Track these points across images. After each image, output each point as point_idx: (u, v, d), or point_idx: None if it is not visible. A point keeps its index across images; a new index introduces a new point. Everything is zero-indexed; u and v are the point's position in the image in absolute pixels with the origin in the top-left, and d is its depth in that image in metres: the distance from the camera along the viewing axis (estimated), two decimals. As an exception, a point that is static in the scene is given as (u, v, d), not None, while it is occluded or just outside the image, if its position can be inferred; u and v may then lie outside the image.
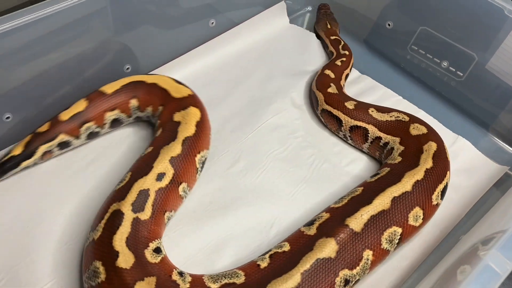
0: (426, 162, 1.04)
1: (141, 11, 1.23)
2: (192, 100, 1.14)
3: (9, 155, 1.07)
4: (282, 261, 0.87)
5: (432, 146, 1.09)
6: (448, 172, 1.06)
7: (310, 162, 1.18)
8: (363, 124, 1.20)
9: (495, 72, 1.28)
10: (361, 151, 1.23)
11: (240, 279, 0.86)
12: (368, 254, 0.89)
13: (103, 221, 0.90)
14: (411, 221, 0.95)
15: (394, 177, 1.01)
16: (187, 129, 1.06)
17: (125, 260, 0.83)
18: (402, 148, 1.12)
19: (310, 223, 0.95)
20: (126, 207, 0.91)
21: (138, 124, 1.24)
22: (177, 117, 1.10)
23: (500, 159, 1.24)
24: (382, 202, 0.94)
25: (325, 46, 1.53)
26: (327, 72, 1.35)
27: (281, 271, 0.84)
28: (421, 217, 0.97)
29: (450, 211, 1.09)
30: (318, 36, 1.56)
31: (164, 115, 1.13)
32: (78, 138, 1.14)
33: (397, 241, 0.94)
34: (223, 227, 1.03)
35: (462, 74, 1.36)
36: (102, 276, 0.83)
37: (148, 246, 0.88)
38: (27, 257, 0.95)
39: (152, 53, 1.32)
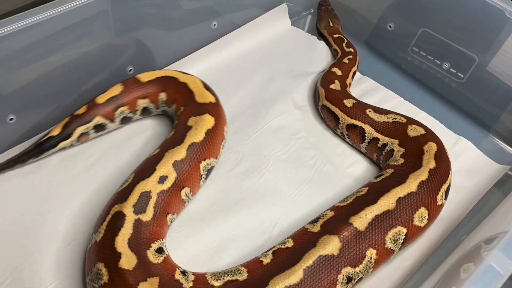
0: (429, 163, 1.04)
1: (142, 13, 1.23)
2: (210, 108, 1.13)
3: (48, 135, 1.11)
4: (285, 257, 0.88)
5: (432, 146, 1.09)
6: (450, 172, 1.07)
7: (312, 164, 1.18)
8: (360, 123, 1.20)
9: (496, 73, 1.29)
10: (361, 152, 1.24)
11: (243, 275, 0.86)
12: (371, 253, 0.90)
13: (105, 223, 0.91)
14: (416, 222, 0.96)
15: (399, 178, 1.01)
16: (195, 135, 1.06)
17: (128, 261, 0.83)
18: (402, 150, 1.12)
19: (314, 221, 0.96)
20: (128, 209, 0.92)
21: (144, 124, 1.25)
22: (190, 121, 1.10)
23: (501, 160, 1.24)
24: (387, 202, 0.94)
25: (328, 44, 1.53)
26: (334, 69, 1.36)
27: (284, 267, 0.85)
28: (426, 217, 0.97)
29: (452, 211, 1.09)
30: (321, 34, 1.56)
31: (181, 117, 1.14)
32: (113, 121, 1.18)
33: (401, 241, 0.94)
34: (225, 228, 1.04)
35: (463, 76, 1.36)
36: (105, 278, 0.83)
37: (150, 246, 0.89)
38: (30, 258, 0.95)
39: (155, 54, 1.32)
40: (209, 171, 1.09)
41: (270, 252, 0.91)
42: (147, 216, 0.93)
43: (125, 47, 1.24)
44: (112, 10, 1.15)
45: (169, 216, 0.98)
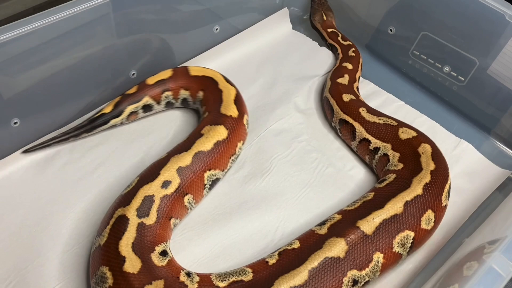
0: (429, 165, 1.05)
1: (144, 17, 1.24)
2: (228, 121, 1.13)
3: (100, 112, 1.18)
4: (290, 258, 0.88)
5: (426, 148, 1.10)
6: (449, 172, 1.07)
7: (314, 166, 1.19)
8: (351, 120, 1.21)
9: (497, 76, 1.29)
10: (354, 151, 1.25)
11: (248, 276, 0.87)
12: (378, 257, 0.90)
13: (109, 227, 0.91)
14: (423, 225, 0.96)
15: (402, 182, 1.01)
16: (204, 144, 1.06)
17: (132, 265, 0.84)
18: (397, 154, 1.12)
19: (321, 223, 0.96)
20: (131, 213, 0.92)
21: (146, 126, 1.26)
22: (204, 129, 1.11)
23: (502, 162, 1.24)
24: (394, 206, 0.94)
25: (323, 39, 1.54)
26: (345, 64, 1.39)
27: (289, 268, 0.85)
28: (433, 220, 0.98)
29: (453, 214, 1.10)
30: (315, 28, 1.57)
31: (201, 123, 1.15)
32: (159, 104, 1.25)
33: (409, 245, 0.94)
34: (228, 231, 1.04)
35: (463, 79, 1.37)
36: (110, 281, 0.83)
37: (154, 250, 0.89)
38: (34, 261, 0.96)
39: (157, 59, 1.33)
40: (213, 182, 1.08)
41: (276, 253, 0.91)
42: (150, 219, 0.93)
43: (127, 52, 1.25)
44: (114, 15, 1.16)
45: (172, 220, 0.99)
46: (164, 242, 0.93)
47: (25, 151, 1.13)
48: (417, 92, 1.47)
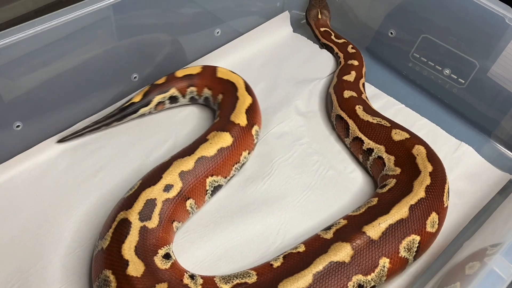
0: (426, 167, 1.05)
1: (145, 21, 1.24)
2: (235, 128, 1.12)
3: (130, 102, 1.22)
4: (295, 261, 0.88)
5: (421, 149, 1.10)
6: (445, 172, 1.08)
7: (315, 169, 1.19)
8: (345, 117, 1.23)
9: (497, 79, 1.30)
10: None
11: (252, 278, 0.87)
12: (384, 262, 0.89)
13: (111, 230, 0.91)
14: (428, 228, 0.96)
15: (404, 187, 1.01)
16: (207, 149, 1.06)
17: (135, 268, 0.84)
18: (392, 157, 1.12)
19: (327, 228, 0.96)
20: (133, 216, 0.92)
21: (150, 130, 1.26)
22: (210, 135, 1.11)
23: (502, 165, 1.25)
24: (400, 211, 0.94)
25: (315, 37, 1.56)
26: (351, 61, 1.41)
27: (294, 271, 0.85)
28: (437, 222, 0.98)
29: (454, 217, 1.10)
30: (308, 24, 1.58)
31: (208, 129, 1.15)
32: (184, 97, 1.29)
33: (415, 249, 0.94)
34: (230, 233, 1.04)
35: (464, 81, 1.37)
36: (113, 285, 0.84)
37: (157, 253, 0.89)
38: (37, 264, 0.96)
39: (159, 62, 1.33)
40: (215, 188, 1.08)
41: (281, 256, 0.92)
42: (152, 223, 0.93)
43: (129, 55, 1.25)
44: (115, 18, 1.16)
45: (175, 224, 0.99)
46: (167, 245, 0.93)
47: (60, 141, 1.18)
48: (417, 95, 1.47)
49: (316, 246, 0.91)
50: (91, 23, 1.12)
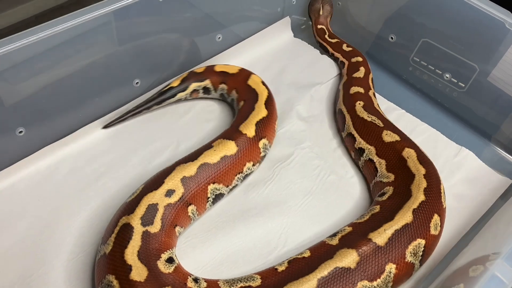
0: (419, 170, 1.06)
1: (147, 27, 1.25)
2: (241, 138, 1.12)
3: (168, 86, 1.28)
4: (300, 266, 0.89)
5: (411, 152, 1.10)
6: (438, 173, 1.08)
7: (317, 174, 1.19)
8: (344, 111, 1.26)
9: (497, 83, 1.30)
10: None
11: (256, 282, 0.87)
12: (391, 268, 0.89)
13: (114, 235, 0.91)
14: (432, 231, 0.96)
15: (403, 193, 1.02)
16: (210, 156, 1.06)
17: (139, 273, 0.84)
18: (383, 161, 1.13)
19: (333, 235, 0.97)
20: (135, 221, 0.93)
21: (154, 134, 1.26)
22: (216, 143, 1.11)
23: (502, 169, 1.25)
24: (404, 216, 0.94)
25: (312, 31, 1.57)
26: (355, 59, 1.45)
27: (298, 275, 0.85)
28: (439, 224, 0.98)
29: (455, 221, 1.10)
30: (310, 18, 1.59)
31: (217, 136, 1.15)
32: (216, 91, 1.33)
33: (421, 254, 0.94)
34: (232, 238, 1.04)
35: (464, 85, 1.37)
36: None
37: (160, 257, 0.90)
38: (39, 269, 0.96)
39: (160, 67, 1.34)
40: (217, 196, 1.08)
41: (286, 261, 0.92)
42: (155, 227, 0.93)
43: (130, 61, 1.26)
44: (116, 24, 1.17)
45: (177, 228, 0.99)
46: (170, 249, 0.93)
47: (105, 127, 1.24)
48: (418, 99, 1.47)
49: (322, 252, 0.91)
50: (92, 29, 1.12)
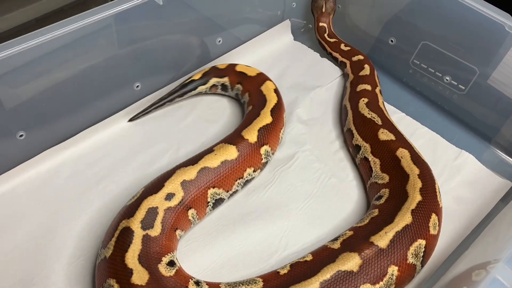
0: (413, 170, 1.06)
1: (147, 30, 1.25)
2: (242, 143, 1.12)
3: (190, 79, 1.33)
4: (302, 270, 0.89)
5: (405, 153, 1.11)
6: (432, 172, 1.09)
7: (317, 177, 1.19)
8: (348, 107, 1.28)
9: (497, 85, 1.30)
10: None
11: (258, 285, 0.87)
12: (393, 270, 0.89)
13: (114, 239, 0.91)
14: (431, 230, 0.96)
15: (399, 194, 1.02)
16: (211, 160, 1.06)
17: (140, 277, 0.84)
18: (377, 160, 1.13)
19: (334, 239, 0.97)
20: (136, 225, 0.92)
21: (156, 138, 1.26)
22: (217, 147, 1.11)
23: (502, 171, 1.25)
24: (403, 217, 0.95)
25: (314, 28, 1.58)
26: (356, 57, 1.46)
27: (300, 278, 0.85)
28: (437, 223, 0.99)
29: (456, 224, 1.10)
30: (313, 14, 1.60)
31: (220, 140, 1.14)
32: (232, 90, 1.36)
33: (422, 254, 0.94)
34: (232, 241, 1.04)
35: (464, 88, 1.38)
36: None
37: (161, 260, 0.90)
38: (40, 273, 0.96)
39: (160, 71, 1.34)
40: (217, 201, 1.07)
41: (288, 264, 0.92)
42: (155, 231, 0.93)
43: (130, 65, 1.26)
44: (116, 28, 1.17)
45: (178, 231, 0.99)
46: (171, 252, 0.93)
47: (130, 120, 1.27)
48: (418, 102, 1.48)
49: (324, 255, 0.91)
50: (93, 33, 1.12)
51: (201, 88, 1.33)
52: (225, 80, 1.34)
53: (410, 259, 0.92)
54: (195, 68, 1.41)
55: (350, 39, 1.60)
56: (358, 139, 1.19)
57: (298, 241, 1.05)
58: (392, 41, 1.50)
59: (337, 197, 1.16)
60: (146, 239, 0.91)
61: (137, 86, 1.30)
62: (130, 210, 0.96)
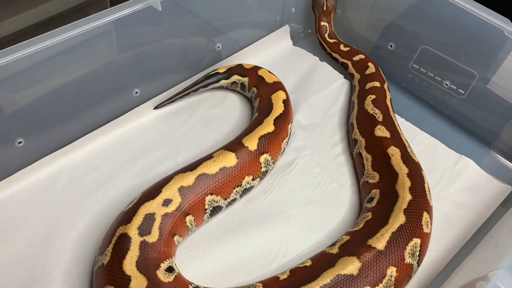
0: (402, 169, 1.07)
1: (145, 36, 1.24)
2: (241, 151, 1.11)
3: (215, 71, 1.36)
4: (302, 275, 0.89)
5: (396, 151, 1.11)
6: (423, 172, 1.09)
7: (317, 182, 1.19)
8: (355, 103, 1.31)
9: (497, 90, 1.30)
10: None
11: None
12: (391, 271, 0.90)
13: (111, 245, 0.91)
14: (425, 229, 0.97)
15: (389, 195, 1.03)
16: (209, 167, 1.05)
17: (138, 283, 0.84)
18: (369, 157, 1.14)
19: (332, 244, 0.97)
20: (133, 231, 0.92)
21: (156, 142, 1.26)
22: (217, 153, 1.10)
23: (502, 176, 1.25)
24: (397, 218, 0.96)
25: (313, 30, 1.59)
26: (357, 57, 1.48)
27: (300, 283, 0.85)
28: (429, 222, 0.99)
29: (456, 230, 1.10)
30: (314, 12, 1.60)
31: (221, 147, 1.14)
32: (248, 91, 1.37)
33: (418, 253, 0.95)
34: (232, 248, 1.04)
35: (463, 92, 1.38)
36: None
37: (160, 266, 0.89)
38: (40, 280, 0.96)
39: (159, 77, 1.34)
40: (214, 209, 1.06)
41: (288, 270, 0.92)
42: (152, 237, 0.93)
43: (130, 70, 1.25)
44: (116, 35, 1.17)
45: (176, 237, 0.99)
46: (170, 258, 0.93)
47: (156, 107, 1.30)
48: (417, 106, 1.48)
49: (323, 261, 0.92)
50: (92, 38, 1.12)
51: (223, 82, 1.36)
52: (245, 80, 1.36)
53: (407, 259, 0.92)
54: (194, 74, 1.41)
55: (350, 44, 1.60)
56: (356, 133, 1.21)
57: (298, 247, 1.05)
58: (391, 46, 1.51)
59: (337, 202, 1.15)
60: (143, 245, 0.91)
61: (136, 92, 1.29)
62: (127, 216, 0.96)
